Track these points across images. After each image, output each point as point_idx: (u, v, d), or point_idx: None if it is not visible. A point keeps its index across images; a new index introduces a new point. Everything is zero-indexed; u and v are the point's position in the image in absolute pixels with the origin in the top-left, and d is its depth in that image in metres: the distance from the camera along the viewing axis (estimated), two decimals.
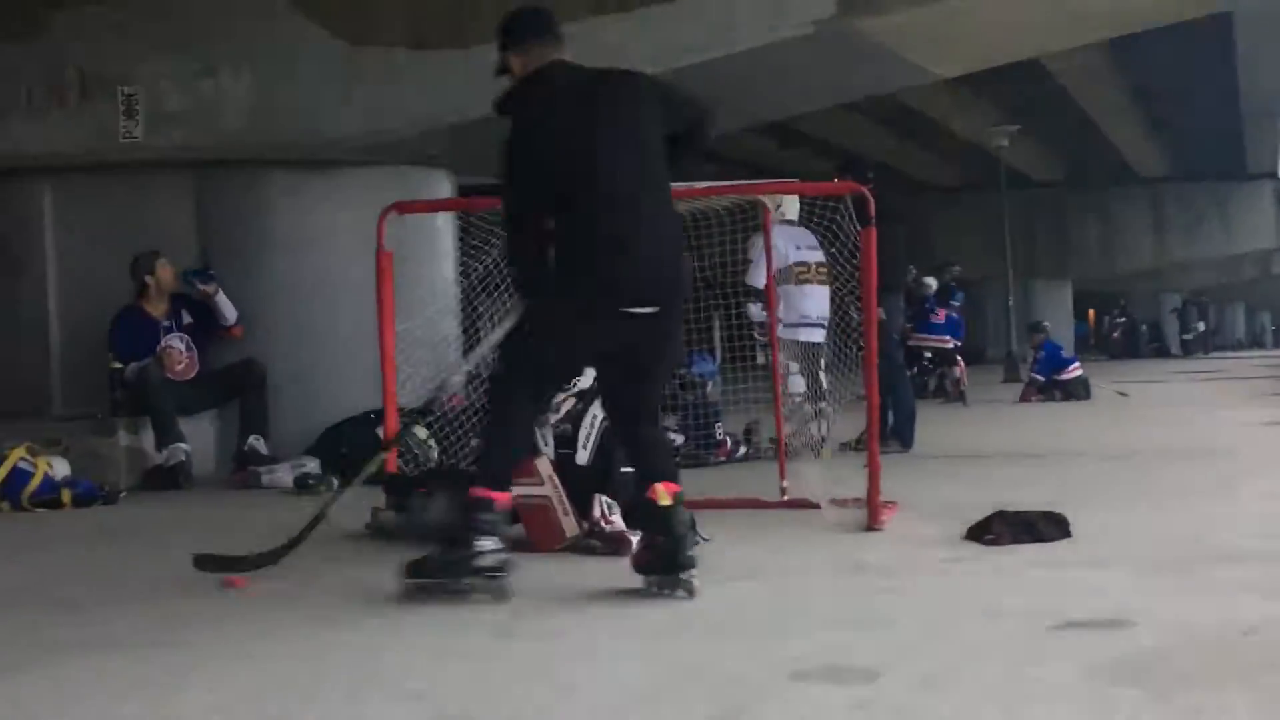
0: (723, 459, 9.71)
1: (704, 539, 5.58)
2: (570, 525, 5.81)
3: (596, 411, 6.10)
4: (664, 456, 4.98)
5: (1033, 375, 18.29)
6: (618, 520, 5.68)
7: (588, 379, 6.17)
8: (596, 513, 5.71)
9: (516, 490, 5.77)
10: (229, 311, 9.70)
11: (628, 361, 4.91)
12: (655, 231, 4.84)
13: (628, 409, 5.01)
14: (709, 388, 9.94)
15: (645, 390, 4.99)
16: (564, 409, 6.18)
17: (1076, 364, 18.49)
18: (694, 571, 4.65)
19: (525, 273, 4.96)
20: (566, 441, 6.14)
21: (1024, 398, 17.65)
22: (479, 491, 4.79)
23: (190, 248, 10.19)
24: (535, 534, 5.79)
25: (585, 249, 4.78)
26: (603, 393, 5.31)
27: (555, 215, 4.84)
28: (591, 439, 6.09)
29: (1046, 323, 20.52)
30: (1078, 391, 17.25)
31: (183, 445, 9.15)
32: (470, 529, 4.73)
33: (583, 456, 6.08)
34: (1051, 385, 17.61)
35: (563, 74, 4.92)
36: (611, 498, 5.74)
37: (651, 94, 4.98)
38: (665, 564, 4.68)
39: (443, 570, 4.75)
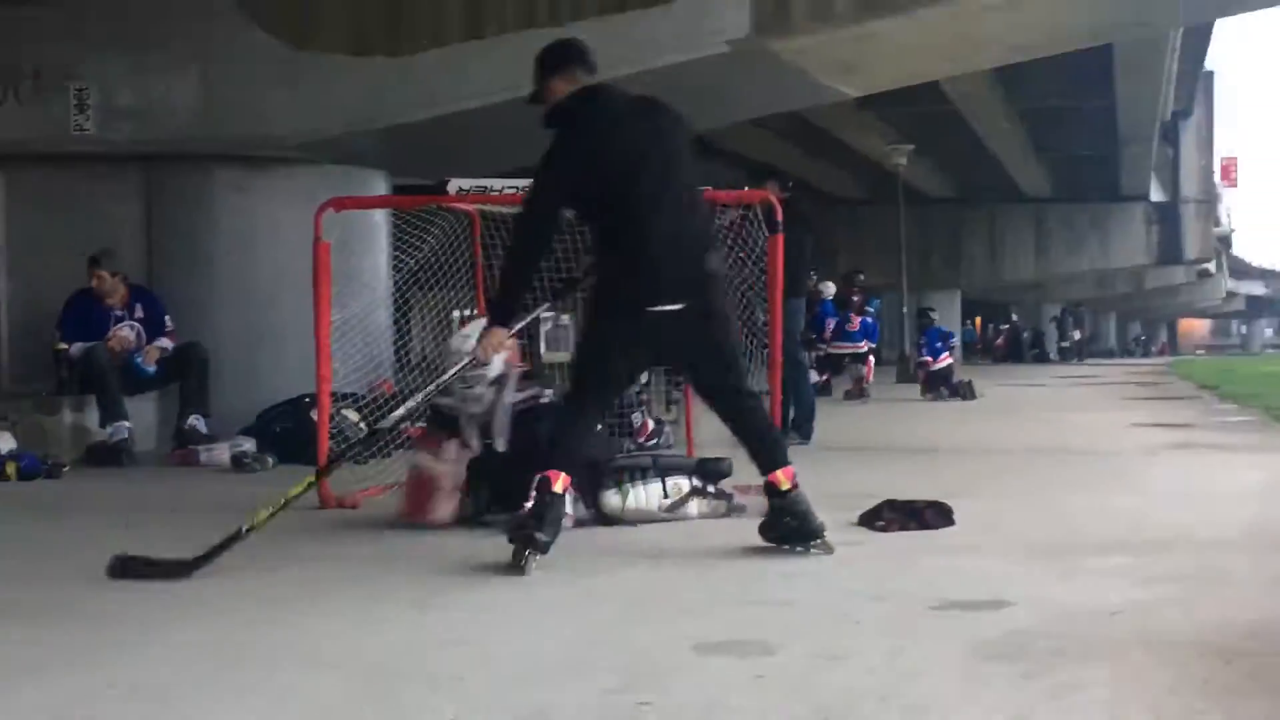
0: (643, 439, 9.65)
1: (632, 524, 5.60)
2: (446, 508, 5.75)
3: (505, 401, 6.01)
4: (772, 443, 5.18)
5: (920, 359, 19.21)
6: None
7: (496, 368, 6.06)
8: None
9: (419, 461, 5.76)
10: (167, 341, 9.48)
11: (680, 355, 5.19)
12: (680, 238, 4.99)
13: (713, 400, 5.22)
14: None
15: (713, 377, 5.16)
16: (484, 399, 6.04)
17: (946, 354, 18.88)
18: (825, 534, 5.03)
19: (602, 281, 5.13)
20: (486, 432, 6.04)
21: (923, 388, 18.10)
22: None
23: (139, 239, 10.04)
24: (409, 503, 5.76)
25: (629, 256, 4.99)
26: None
27: (599, 223, 5.07)
28: (505, 428, 6.00)
29: (933, 309, 21.41)
30: (966, 392, 17.41)
31: (125, 423, 8.97)
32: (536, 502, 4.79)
33: (500, 444, 5.99)
34: (938, 379, 17.89)
35: (609, 95, 5.15)
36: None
37: (685, 130, 5.23)
38: (801, 537, 5.01)
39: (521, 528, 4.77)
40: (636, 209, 4.95)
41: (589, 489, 5.87)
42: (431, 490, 5.73)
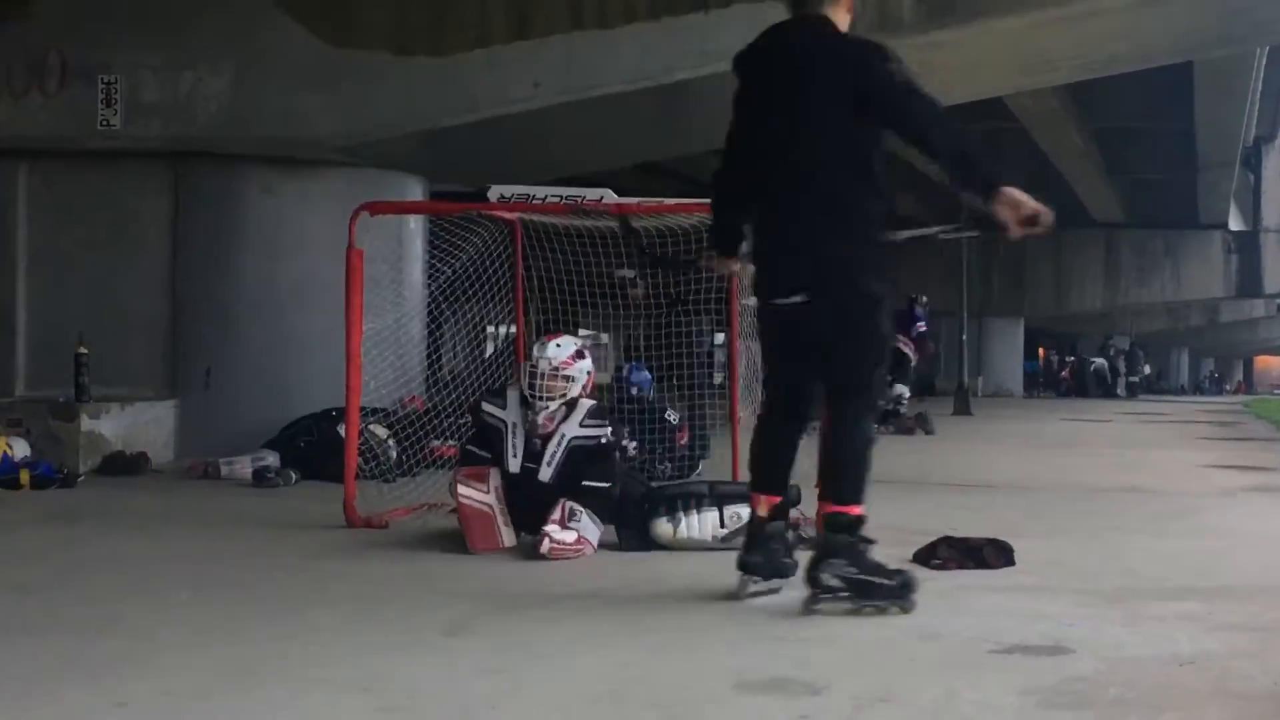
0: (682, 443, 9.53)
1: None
2: (509, 537, 5.83)
3: (566, 431, 6.05)
4: (833, 473, 5.03)
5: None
6: (577, 528, 5.67)
7: (574, 392, 6.09)
8: (555, 515, 5.70)
9: (472, 495, 5.79)
10: None
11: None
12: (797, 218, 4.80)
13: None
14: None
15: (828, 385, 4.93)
16: (553, 417, 6.06)
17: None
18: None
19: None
20: (534, 456, 6.07)
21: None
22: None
23: (164, 238, 10.11)
24: (476, 538, 5.78)
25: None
26: None
27: None
28: (557, 457, 6.02)
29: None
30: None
31: None
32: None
33: (545, 473, 6.01)
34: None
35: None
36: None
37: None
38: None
39: None
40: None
41: (637, 516, 5.89)
42: (492, 522, 5.78)
